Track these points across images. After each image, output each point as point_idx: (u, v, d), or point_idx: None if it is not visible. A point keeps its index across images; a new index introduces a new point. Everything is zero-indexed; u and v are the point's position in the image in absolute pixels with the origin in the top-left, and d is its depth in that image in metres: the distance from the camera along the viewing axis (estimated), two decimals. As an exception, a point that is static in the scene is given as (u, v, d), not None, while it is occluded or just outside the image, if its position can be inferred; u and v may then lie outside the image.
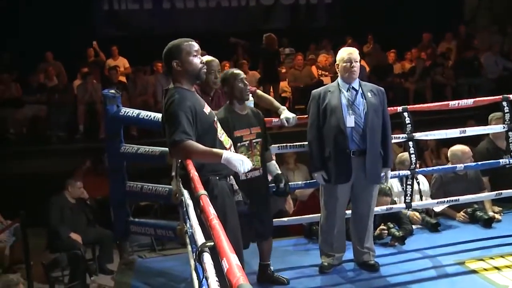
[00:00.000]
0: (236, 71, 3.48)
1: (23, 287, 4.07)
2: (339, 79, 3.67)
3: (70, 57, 9.32)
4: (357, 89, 3.61)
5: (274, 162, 3.60)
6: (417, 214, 4.46)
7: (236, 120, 3.34)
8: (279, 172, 3.58)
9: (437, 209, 4.48)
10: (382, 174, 3.66)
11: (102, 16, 10.96)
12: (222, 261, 1.41)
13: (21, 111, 8.33)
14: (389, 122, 3.68)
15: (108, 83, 8.21)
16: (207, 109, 2.79)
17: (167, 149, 3.81)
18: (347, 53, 3.64)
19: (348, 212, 3.82)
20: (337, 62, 3.68)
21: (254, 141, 3.38)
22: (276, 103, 3.93)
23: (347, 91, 3.60)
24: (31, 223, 5.81)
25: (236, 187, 2.92)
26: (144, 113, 4.13)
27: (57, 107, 8.37)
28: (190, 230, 2.40)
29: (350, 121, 3.52)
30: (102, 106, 4.31)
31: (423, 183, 4.73)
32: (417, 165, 4.29)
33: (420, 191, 4.67)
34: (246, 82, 3.42)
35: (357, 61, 3.61)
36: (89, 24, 10.37)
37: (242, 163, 2.58)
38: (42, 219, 5.89)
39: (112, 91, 4.21)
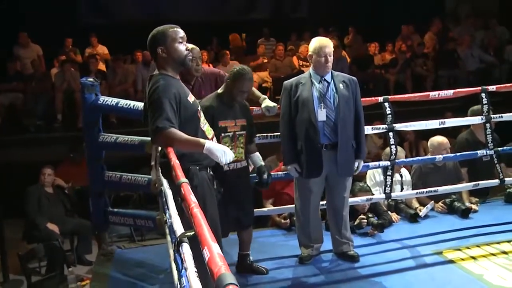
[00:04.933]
0: (248, 72, 3.38)
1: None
2: (311, 70, 3.61)
3: (49, 45, 9.14)
4: (329, 81, 3.56)
5: (258, 153, 3.60)
6: (395, 215, 4.51)
7: (223, 111, 3.34)
8: (263, 163, 3.58)
9: (422, 213, 4.53)
10: (355, 165, 3.65)
11: (83, 3, 10.76)
12: (204, 250, 1.39)
13: (-3, 99, 8.16)
14: (362, 112, 3.64)
15: (87, 71, 8.08)
16: (191, 98, 2.76)
17: (146, 138, 3.79)
18: (321, 46, 3.54)
19: (324, 202, 3.83)
20: (310, 53, 3.60)
21: (238, 133, 3.39)
22: (257, 93, 3.91)
23: (318, 83, 3.55)
24: (8, 213, 5.72)
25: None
26: (123, 102, 4.07)
27: (34, 95, 8.21)
28: (170, 220, 2.37)
29: (321, 115, 3.48)
30: (81, 94, 4.23)
31: (405, 175, 4.77)
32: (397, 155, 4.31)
33: (401, 182, 4.71)
34: (248, 90, 3.41)
35: (331, 55, 3.55)
36: (70, 11, 10.17)
37: (224, 153, 2.56)
38: (18, 209, 5.80)
39: (91, 79, 4.14)
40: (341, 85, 3.54)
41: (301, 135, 3.54)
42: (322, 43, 3.58)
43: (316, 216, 3.75)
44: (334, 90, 3.53)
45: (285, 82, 3.69)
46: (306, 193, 3.66)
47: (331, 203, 3.75)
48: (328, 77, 3.57)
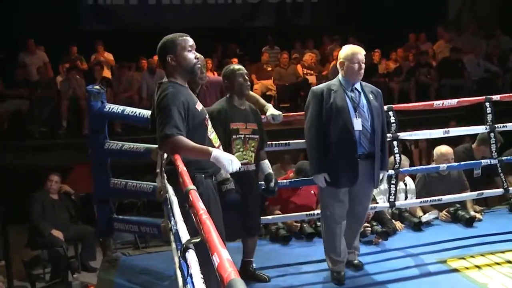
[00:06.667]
0: (238, 66, 3.54)
1: (1, 284, 4.01)
2: (341, 77, 3.50)
3: (52, 49, 9.18)
4: (360, 90, 3.49)
5: (267, 161, 3.59)
6: (399, 223, 4.51)
7: (234, 113, 3.39)
8: (271, 171, 3.57)
9: (424, 218, 4.54)
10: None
11: (86, 10, 10.83)
12: (213, 256, 1.40)
13: (2, 106, 8.19)
14: (386, 124, 3.64)
15: (92, 79, 8.12)
16: (199, 106, 2.78)
17: (152, 146, 3.82)
18: (354, 53, 3.47)
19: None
20: (341, 60, 3.50)
21: (248, 136, 3.41)
22: (262, 101, 3.92)
23: (350, 92, 3.47)
24: (12, 219, 5.74)
25: (228, 175, 2.87)
26: (129, 109, 4.10)
27: (39, 102, 8.25)
28: (175, 227, 2.39)
29: (357, 124, 3.39)
30: (86, 102, 4.26)
31: (409, 184, 4.77)
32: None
33: (406, 191, 4.71)
34: (247, 78, 3.49)
35: (363, 62, 3.47)
36: (73, 18, 10.24)
37: (231, 162, 2.57)
38: (23, 215, 5.82)
39: (97, 87, 4.17)
40: (371, 96, 3.50)
41: (335, 144, 3.41)
42: (354, 50, 3.51)
43: (342, 228, 3.57)
44: (366, 100, 3.48)
45: (314, 88, 3.58)
46: (335, 203, 3.51)
47: (352, 212, 3.61)
48: (358, 86, 3.50)
